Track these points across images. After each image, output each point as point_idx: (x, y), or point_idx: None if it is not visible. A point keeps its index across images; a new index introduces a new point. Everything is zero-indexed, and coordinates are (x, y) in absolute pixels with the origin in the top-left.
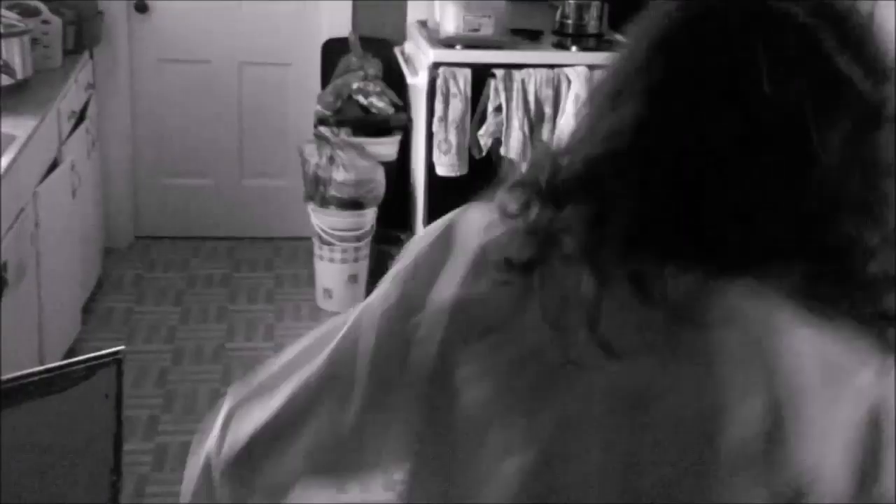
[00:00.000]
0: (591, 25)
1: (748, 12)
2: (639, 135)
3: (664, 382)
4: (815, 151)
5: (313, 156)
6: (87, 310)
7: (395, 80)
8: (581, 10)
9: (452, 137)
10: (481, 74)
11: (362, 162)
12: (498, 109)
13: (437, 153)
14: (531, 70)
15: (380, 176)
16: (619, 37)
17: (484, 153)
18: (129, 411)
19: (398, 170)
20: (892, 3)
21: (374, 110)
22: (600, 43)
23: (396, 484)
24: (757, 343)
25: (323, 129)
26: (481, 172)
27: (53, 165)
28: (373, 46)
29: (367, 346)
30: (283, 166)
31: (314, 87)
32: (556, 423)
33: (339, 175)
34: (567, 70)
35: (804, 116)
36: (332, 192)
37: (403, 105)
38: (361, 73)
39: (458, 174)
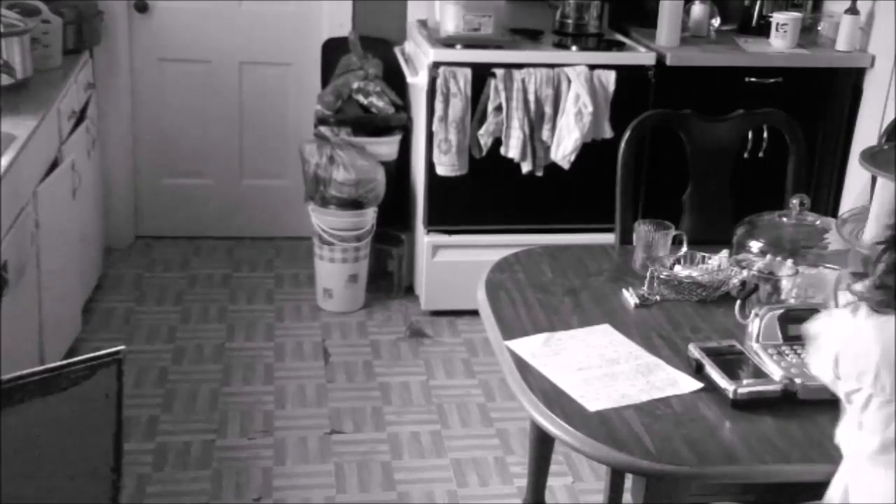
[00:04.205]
0: (591, 25)
1: None
2: None
3: None
4: None
5: (313, 156)
6: (87, 310)
7: (395, 80)
8: (581, 9)
9: (452, 137)
10: (481, 74)
11: (362, 162)
12: (498, 109)
13: (437, 153)
14: (531, 70)
15: (380, 176)
16: (619, 36)
17: (484, 153)
18: (129, 411)
19: (398, 170)
20: (893, 2)
21: (374, 110)
22: (600, 43)
23: None
24: None
25: (323, 129)
26: (481, 172)
27: (53, 165)
28: (373, 46)
29: None
30: (283, 166)
31: (314, 87)
32: None
33: (339, 175)
34: (567, 70)
35: None
36: (332, 192)
37: (403, 105)
38: (361, 73)
39: (458, 174)
